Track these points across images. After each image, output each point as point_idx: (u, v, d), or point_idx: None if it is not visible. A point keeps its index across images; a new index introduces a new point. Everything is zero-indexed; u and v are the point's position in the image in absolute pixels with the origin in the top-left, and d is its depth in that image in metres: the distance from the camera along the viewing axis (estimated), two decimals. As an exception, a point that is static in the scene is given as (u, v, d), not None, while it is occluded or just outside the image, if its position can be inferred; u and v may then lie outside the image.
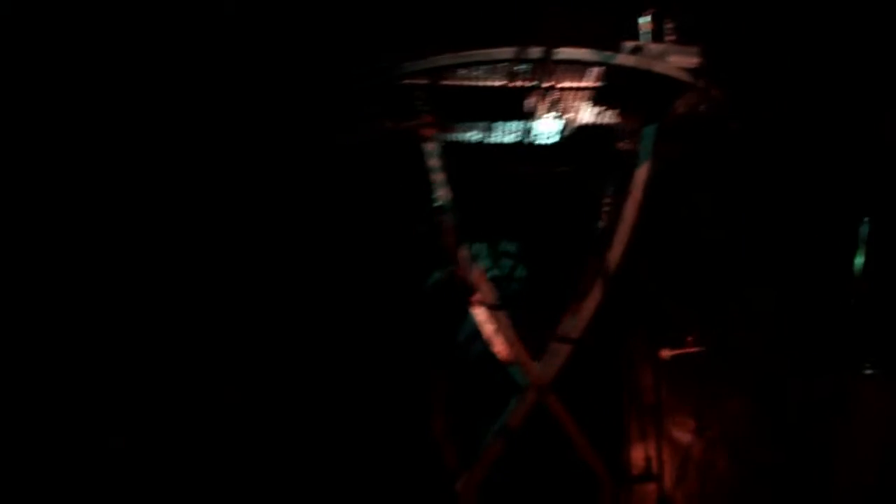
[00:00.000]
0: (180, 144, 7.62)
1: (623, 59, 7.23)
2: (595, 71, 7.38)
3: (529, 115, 7.61)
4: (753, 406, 8.29)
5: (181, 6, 7.49)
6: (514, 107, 7.55)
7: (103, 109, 7.43)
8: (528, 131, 7.80)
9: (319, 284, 8.05)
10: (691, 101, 7.64)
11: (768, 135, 8.10)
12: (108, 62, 7.40)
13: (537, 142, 7.94)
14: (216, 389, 7.62)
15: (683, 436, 8.52)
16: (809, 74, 8.12)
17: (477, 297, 7.78)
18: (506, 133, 7.87)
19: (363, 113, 7.39)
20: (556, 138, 7.89)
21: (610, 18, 7.60)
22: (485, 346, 7.97)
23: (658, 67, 7.25)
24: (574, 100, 7.64)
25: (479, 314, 7.93)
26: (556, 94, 7.51)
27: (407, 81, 7.21)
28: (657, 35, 7.42)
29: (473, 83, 7.35)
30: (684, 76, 7.34)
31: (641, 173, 7.74)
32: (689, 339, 8.54)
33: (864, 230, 8.26)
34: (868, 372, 8.02)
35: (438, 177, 7.61)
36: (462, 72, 7.31)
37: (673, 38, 7.42)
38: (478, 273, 7.82)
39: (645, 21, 7.43)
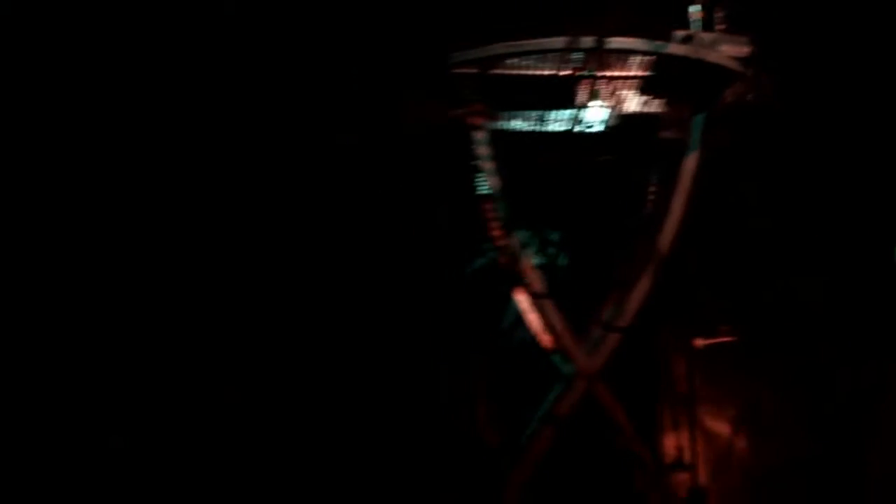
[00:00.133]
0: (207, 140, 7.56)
1: (675, 48, 7.25)
2: (642, 60, 7.39)
3: (577, 104, 7.62)
4: (791, 396, 8.22)
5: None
6: (563, 96, 7.57)
7: (109, 109, 7.35)
8: (575, 120, 7.80)
9: (362, 271, 8.05)
10: (740, 90, 7.66)
11: (815, 124, 8.06)
12: (122, 62, 7.35)
13: (584, 130, 7.93)
14: (234, 388, 7.58)
15: (718, 426, 8.48)
16: (857, 63, 8.07)
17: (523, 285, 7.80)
18: (554, 122, 7.88)
19: (413, 102, 7.41)
20: (602, 127, 7.88)
21: (659, 7, 7.55)
22: (526, 333, 8.01)
23: (710, 57, 7.26)
24: (621, 89, 7.65)
25: (523, 301, 7.97)
26: (603, 84, 7.52)
27: (457, 71, 7.25)
28: (707, 24, 7.43)
29: (523, 72, 7.38)
30: (735, 65, 7.35)
31: (690, 162, 7.76)
32: (724, 328, 8.52)
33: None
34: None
35: (487, 165, 7.65)
36: (511, 61, 7.34)
37: (723, 26, 7.42)
38: (525, 261, 7.86)
39: (695, 10, 7.44)
